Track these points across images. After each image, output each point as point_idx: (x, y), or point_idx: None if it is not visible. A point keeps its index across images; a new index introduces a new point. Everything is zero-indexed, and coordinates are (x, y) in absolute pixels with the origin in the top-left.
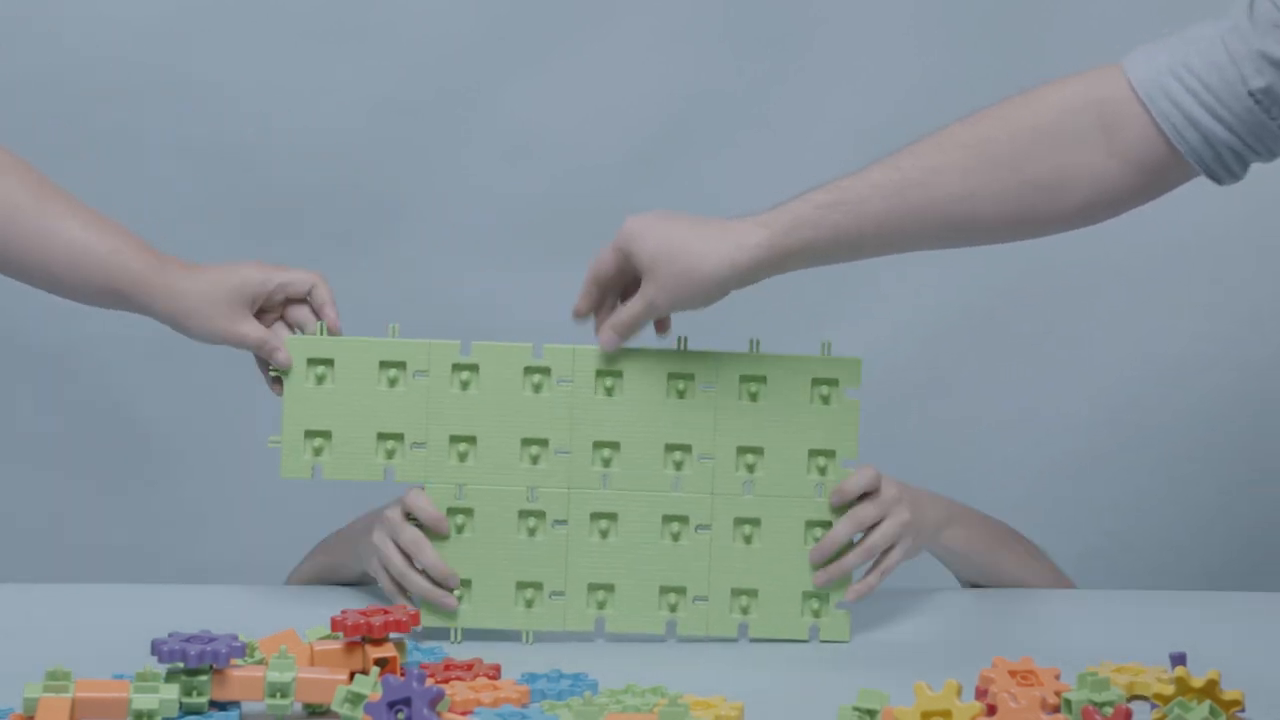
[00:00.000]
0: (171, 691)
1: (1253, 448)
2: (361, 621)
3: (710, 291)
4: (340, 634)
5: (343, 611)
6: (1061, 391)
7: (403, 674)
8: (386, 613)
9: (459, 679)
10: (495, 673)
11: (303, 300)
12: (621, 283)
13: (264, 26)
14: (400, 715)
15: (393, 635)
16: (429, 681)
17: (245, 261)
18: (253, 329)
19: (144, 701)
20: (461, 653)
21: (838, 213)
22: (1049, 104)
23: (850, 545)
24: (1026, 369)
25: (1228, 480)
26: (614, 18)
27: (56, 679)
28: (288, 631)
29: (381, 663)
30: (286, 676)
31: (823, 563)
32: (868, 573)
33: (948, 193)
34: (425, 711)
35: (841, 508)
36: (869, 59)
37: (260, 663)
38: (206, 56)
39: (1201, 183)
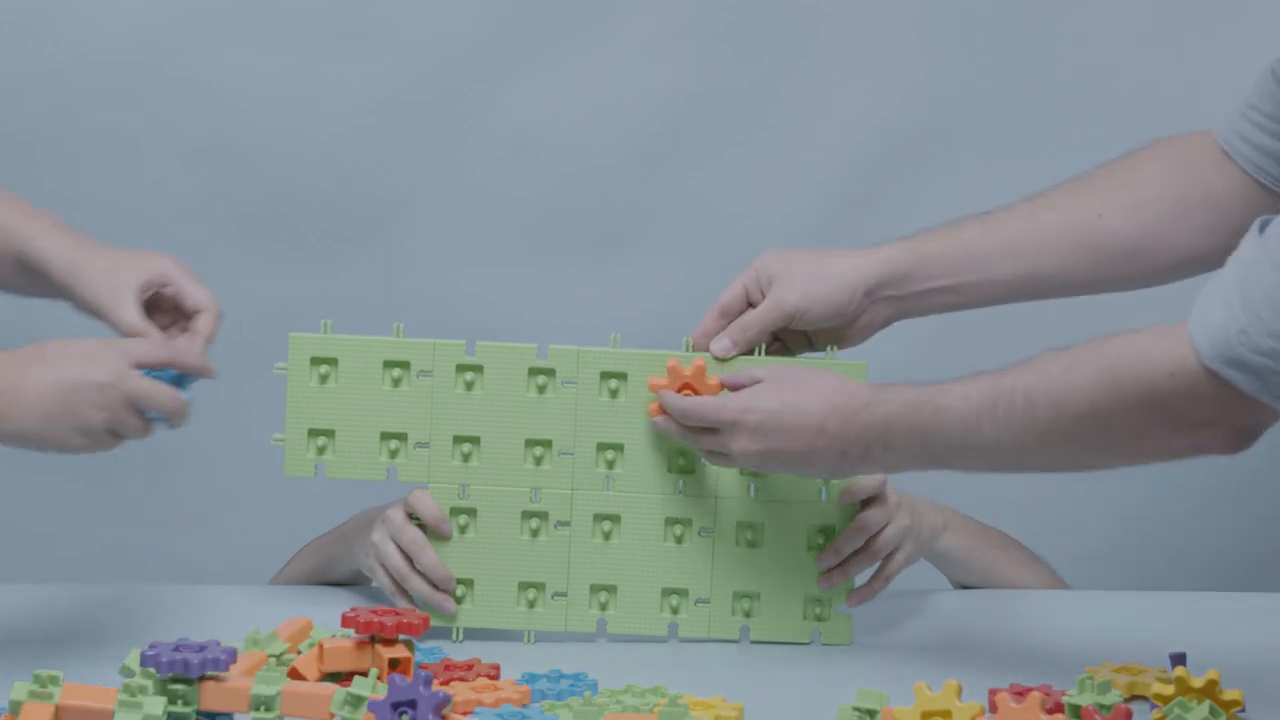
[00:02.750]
0: (157, 705)
1: (1252, 448)
2: (375, 620)
3: (839, 289)
4: (351, 630)
5: (353, 609)
6: None
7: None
8: (397, 614)
9: (460, 679)
10: (495, 673)
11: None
12: (744, 310)
13: (264, 27)
14: (404, 716)
15: (401, 636)
16: (435, 685)
17: (164, 254)
18: (132, 314)
19: (127, 714)
20: (461, 653)
21: (976, 228)
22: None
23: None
24: None
25: (1228, 480)
26: (615, 18)
27: (43, 683)
28: (304, 621)
29: (394, 663)
30: (272, 690)
31: (829, 568)
32: (871, 579)
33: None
34: (431, 716)
35: (847, 508)
36: (870, 59)
37: (282, 647)
38: (206, 57)
39: None
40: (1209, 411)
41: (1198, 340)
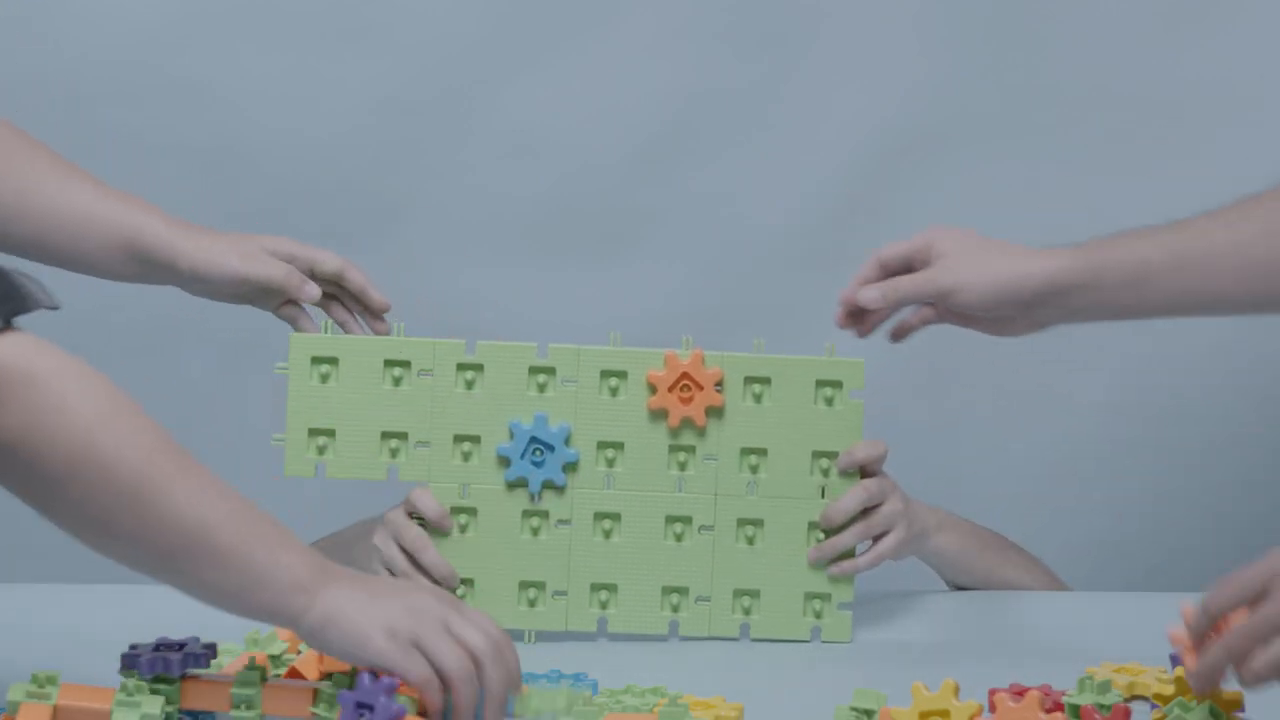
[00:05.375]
0: (155, 705)
1: (1254, 447)
2: None
3: (996, 294)
4: None
5: None
6: (1063, 392)
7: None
8: None
9: None
10: None
11: (332, 288)
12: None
13: (264, 27)
14: (362, 718)
15: None
16: (398, 694)
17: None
18: (277, 267)
19: (125, 714)
20: None
21: (1148, 242)
22: None
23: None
24: (1026, 370)
25: (1228, 480)
26: (615, 17)
27: (40, 683)
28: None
29: None
30: (251, 689)
31: (827, 531)
32: (860, 555)
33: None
34: None
35: (848, 479)
36: (871, 58)
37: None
38: (206, 57)
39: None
40: None
41: None
